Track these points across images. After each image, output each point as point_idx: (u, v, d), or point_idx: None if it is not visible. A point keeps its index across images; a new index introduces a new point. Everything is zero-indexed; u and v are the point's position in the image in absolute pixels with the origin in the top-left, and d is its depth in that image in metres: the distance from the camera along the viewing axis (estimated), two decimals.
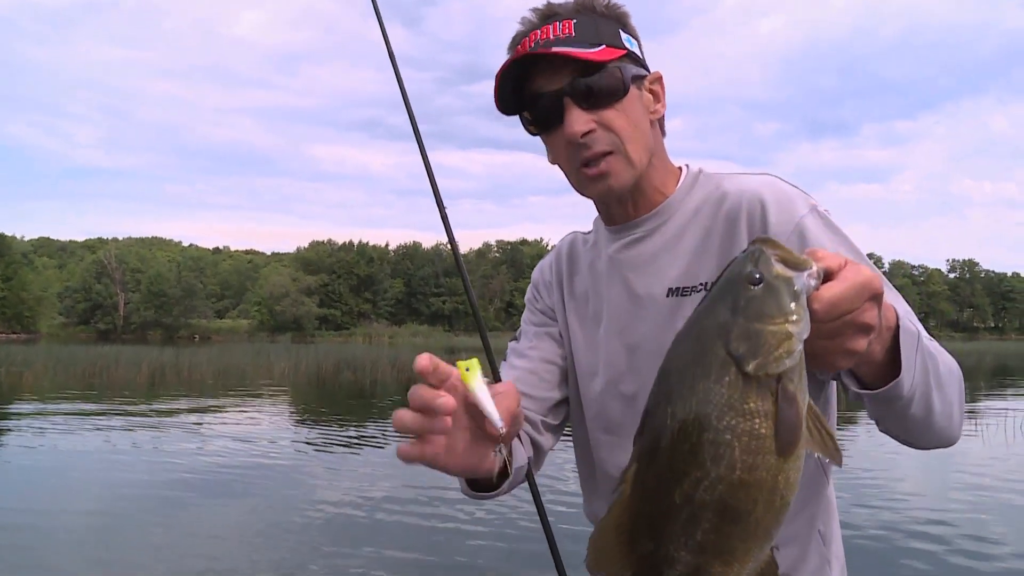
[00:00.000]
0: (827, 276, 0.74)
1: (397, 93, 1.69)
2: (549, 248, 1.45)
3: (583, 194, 1.20)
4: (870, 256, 1.15)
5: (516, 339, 1.37)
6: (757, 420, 0.69)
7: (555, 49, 1.10)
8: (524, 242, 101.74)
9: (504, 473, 1.01)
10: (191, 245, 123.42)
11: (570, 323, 1.31)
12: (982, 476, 8.56)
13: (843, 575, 1.21)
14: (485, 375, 0.84)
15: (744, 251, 0.75)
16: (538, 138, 1.22)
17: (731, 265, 0.74)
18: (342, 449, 10.55)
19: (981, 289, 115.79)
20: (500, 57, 1.14)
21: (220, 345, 45.38)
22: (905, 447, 1.03)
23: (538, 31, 1.13)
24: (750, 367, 0.69)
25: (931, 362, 0.93)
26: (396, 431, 0.80)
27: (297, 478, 8.43)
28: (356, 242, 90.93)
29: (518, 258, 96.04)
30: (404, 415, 0.79)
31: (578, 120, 1.10)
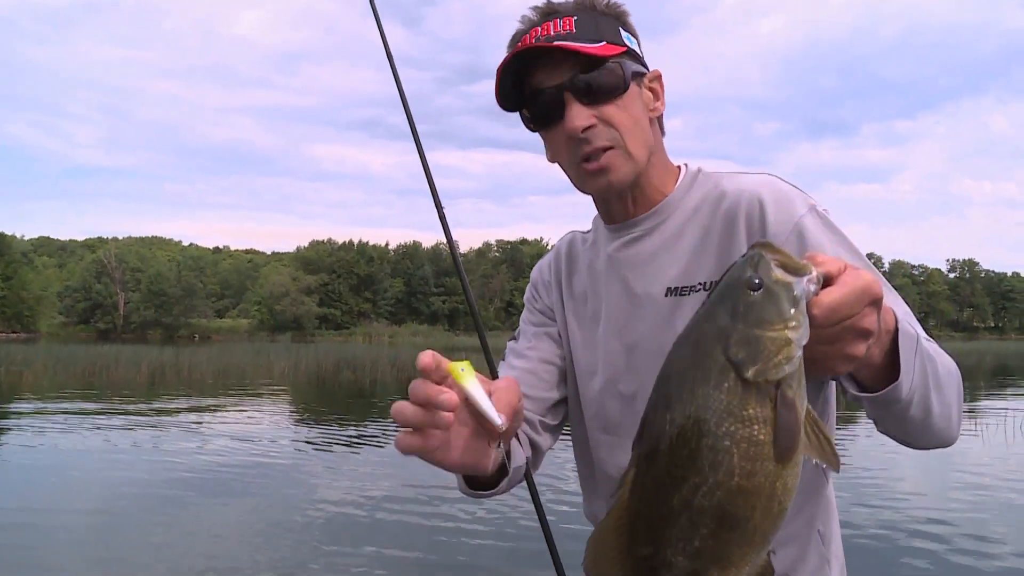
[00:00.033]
0: (827, 281, 0.74)
1: (397, 93, 1.69)
2: (549, 248, 1.44)
3: (583, 190, 1.19)
4: (870, 256, 1.15)
5: (515, 339, 1.37)
6: (756, 426, 0.69)
7: (556, 43, 1.09)
8: (524, 242, 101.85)
9: (503, 471, 1.01)
10: (191, 244, 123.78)
11: (569, 323, 1.31)
12: (982, 476, 8.57)
13: (843, 575, 1.21)
14: (484, 375, 0.84)
15: (743, 255, 0.74)
16: (538, 137, 1.21)
17: (730, 270, 0.74)
18: (342, 448, 10.55)
19: (981, 289, 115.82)
20: (500, 56, 1.14)
21: (220, 344, 45.43)
22: (904, 447, 1.03)
23: (538, 28, 1.13)
24: (749, 373, 0.69)
25: (930, 364, 0.93)
26: (395, 423, 0.78)
27: (297, 477, 8.43)
28: (356, 241, 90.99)
29: (518, 258, 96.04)
30: (405, 407, 0.78)
31: (579, 115, 1.10)
